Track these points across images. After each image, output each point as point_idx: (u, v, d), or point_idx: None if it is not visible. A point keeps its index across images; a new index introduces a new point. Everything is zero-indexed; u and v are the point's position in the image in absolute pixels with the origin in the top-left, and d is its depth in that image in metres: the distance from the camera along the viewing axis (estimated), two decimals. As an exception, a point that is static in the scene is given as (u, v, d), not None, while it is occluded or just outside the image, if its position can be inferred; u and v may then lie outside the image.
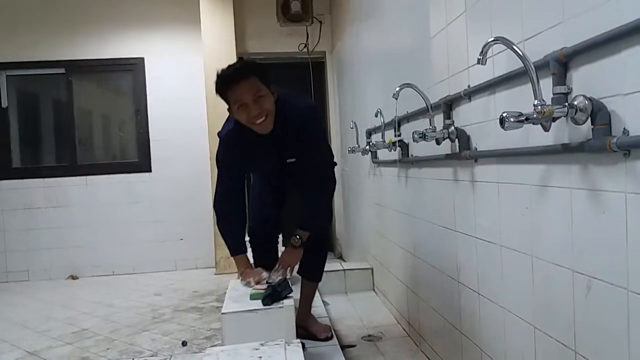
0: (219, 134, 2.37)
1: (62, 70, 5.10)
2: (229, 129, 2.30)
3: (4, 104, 5.07)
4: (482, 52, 1.36)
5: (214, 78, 4.75)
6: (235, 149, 2.30)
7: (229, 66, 2.16)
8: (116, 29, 5.08)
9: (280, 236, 2.82)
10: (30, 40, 5.00)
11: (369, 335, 2.82)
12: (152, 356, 2.76)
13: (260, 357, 1.64)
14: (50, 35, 5.02)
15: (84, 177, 5.06)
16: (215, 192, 2.41)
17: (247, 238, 2.65)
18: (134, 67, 5.13)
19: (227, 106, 2.20)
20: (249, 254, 2.72)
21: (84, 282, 4.85)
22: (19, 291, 4.59)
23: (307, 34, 4.88)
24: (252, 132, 2.21)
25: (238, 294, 2.24)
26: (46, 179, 5.04)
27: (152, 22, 5.08)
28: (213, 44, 4.78)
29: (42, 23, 5.00)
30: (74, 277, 4.98)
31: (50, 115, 5.39)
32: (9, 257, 4.99)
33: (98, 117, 5.54)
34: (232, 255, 2.38)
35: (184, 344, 2.89)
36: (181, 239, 5.10)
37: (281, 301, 2.09)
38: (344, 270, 3.68)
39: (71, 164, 5.12)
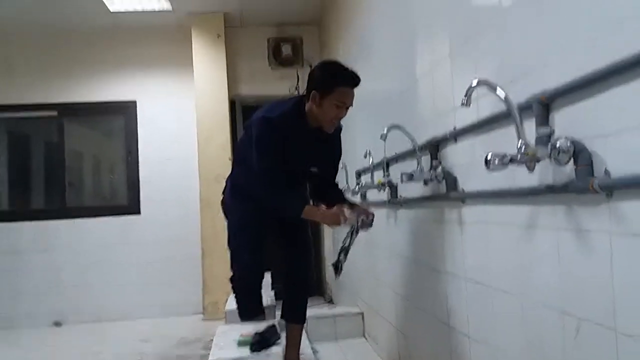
0: (265, 116, 2.28)
1: (54, 113, 5.11)
2: (284, 111, 2.28)
3: (-6, 147, 5.07)
4: (466, 94, 1.39)
5: (206, 120, 4.76)
6: (282, 133, 2.25)
7: (346, 67, 2.26)
8: (108, 73, 5.14)
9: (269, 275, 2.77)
10: (23, 83, 5.03)
11: (360, 383, 2.74)
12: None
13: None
14: (43, 78, 5.05)
15: (72, 220, 5.00)
16: (259, 174, 2.28)
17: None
18: (125, 110, 5.16)
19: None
20: (231, 300, 2.65)
21: (68, 329, 4.70)
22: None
23: (298, 76, 4.96)
24: (303, 125, 2.28)
25: (226, 341, 2.19)
26: (34, 222, 4.97)
27: (144, 65, 5.15)
28: (205, 87, 4.84)
29: (35, 66, 5.05)
30: (58, 324, 4.83)
31: (41, 158, 5.38)
32: (-8, 302, 4.87)
33: (89, 159, 5.54)
34: (301, 215, 2.26)
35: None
36: (170, 285, 5.00)
37: (269, 348, 2.04)
38: (334, 316, 3.60)
39: (60, 207, 5.07)
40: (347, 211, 2.17)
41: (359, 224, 2.19)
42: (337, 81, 2.20)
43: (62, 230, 4.98)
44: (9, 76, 5.02)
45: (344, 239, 2.29)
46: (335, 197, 2.44)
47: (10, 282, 4.87)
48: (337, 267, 2.29)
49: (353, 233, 2.25)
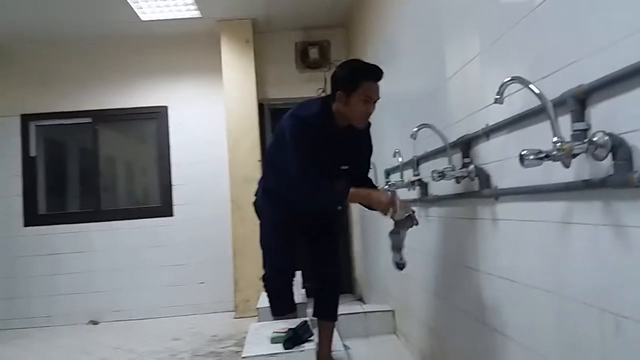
0: (296, 114, 2.34)
1: (88, 120, 5.27)
2: (315, 112, 2.32)
3: (33, 153, 5.23)
4: (499, 91, 1.39)
5: (235, 124, 4.82)
6: (315, 132, 2.29)
7: (367, 63, 2.37)
8: (140, 79, 5.27)
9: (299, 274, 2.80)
10: (58, 91, 5.20)
11: (393, 381, 2.75)
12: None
13: (282, 401, 1.61)
14: (77, 86, 5.21)
15: (107, 223, 5.14)
16: (295, 171, 2.27)
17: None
18: (157, 115, 5.28)
19: (325, 92, 2.37)
20: (263, 297, 2.69)
21: (104, 327, 4.84)
22: (39, 337, 4.59)
23: (326, 79, 4.98)
24: (332, 125, 2.32)
25: (259, 338, 2.22)
26: (70, 225, 5.12)
27: (175, 71, 5.26)
28: (234, 91, 4.92)
29: (69, 75, 5.21)
30: (94, 322, 4.97)
31: (76, 163, 5.56)
32: (31, 302, 5.03)
33: (122, 164, 5.68)
34: (346, 201, 2.27)
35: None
36: (201, 283, 5.09)
37: (302, 344, 2.06)
38: (365, 312, 3.62)
39: (95, 210, 5.21)
40: (398, 203, 2.12)
41: (403, 219, 2.18)
42: (360, 77, 2.25)
43: (98, 233, 5.13)
44: (44, 85, 5.20)
45: (395, 237, 2.25)
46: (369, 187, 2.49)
47: (48, 283, 5.05)
48: (399, 265, 2.26)
49: (399, 232, 2.22)
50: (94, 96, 5.22)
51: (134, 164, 5.70)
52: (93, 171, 5.29)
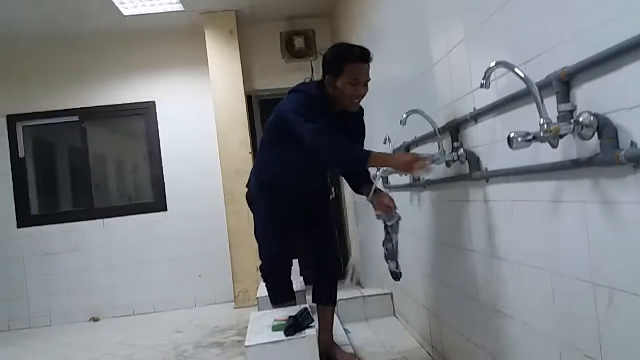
0: (299, 90, 2.38)
1: (76, 118, 5.22)
2: (313, 94, 2.33)
3: (21, 154, 5.19)
4: (485, 76, 1.42)
5: (224, 116, 4.81)
6: (318, 110, 2.28)
7: (353, 45, 2.39)
8: (126, 75, 5.22)
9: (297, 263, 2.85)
10: (43, 90, 5.14)
11: (394, 362, 2.80)
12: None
13: (288, 388, 1.64)
14: (63, 84, 5.16)
15: (101, 220, 5.13)
16: (310, 131, 2.21)
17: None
18: (145, 111, 5.25)
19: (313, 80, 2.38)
20: (262, 287, 2.72)
21: (105, 324, 4.87)
22: (41, 336, 4.61)
23: (312, 68, 4.99)
24: (328, 109, 2.32)
25: (260, 327, 2.26)
26: (64, 224, 5.11)
27: (161, 66, 5.22)
28: (221, 84, 4.90)
29: (53, 73, 5.15)
30: (95, 320, 5.00)
31: (66, 162, 5.52)
32: (30, 303, 5.04)
33: (112, 161, 5.66)
34: (367, 161, 2.16)
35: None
36: (199, 275, 5.12)
37: (303, 331, 2.10)
38: (363, 297, 3.67)
39: (88, 208, 5.20)
40: (427, 161, 2.00)
41: (394, 223, 2.26)
42: (344, 60, 2.26)
43: (92, 231, 5.12)
44: (28, 84, 5.14)
45: (385, 243, 2.29)
46: (364, 179, 2.54)
47: (46, 283, 5.04)
48: (396, 274, 2.32)
49: (390, 231, 2.27)
50: (80, 94, 5.17)
51: (125, 161, 5.68)
52: (84, 169, 5.26)
